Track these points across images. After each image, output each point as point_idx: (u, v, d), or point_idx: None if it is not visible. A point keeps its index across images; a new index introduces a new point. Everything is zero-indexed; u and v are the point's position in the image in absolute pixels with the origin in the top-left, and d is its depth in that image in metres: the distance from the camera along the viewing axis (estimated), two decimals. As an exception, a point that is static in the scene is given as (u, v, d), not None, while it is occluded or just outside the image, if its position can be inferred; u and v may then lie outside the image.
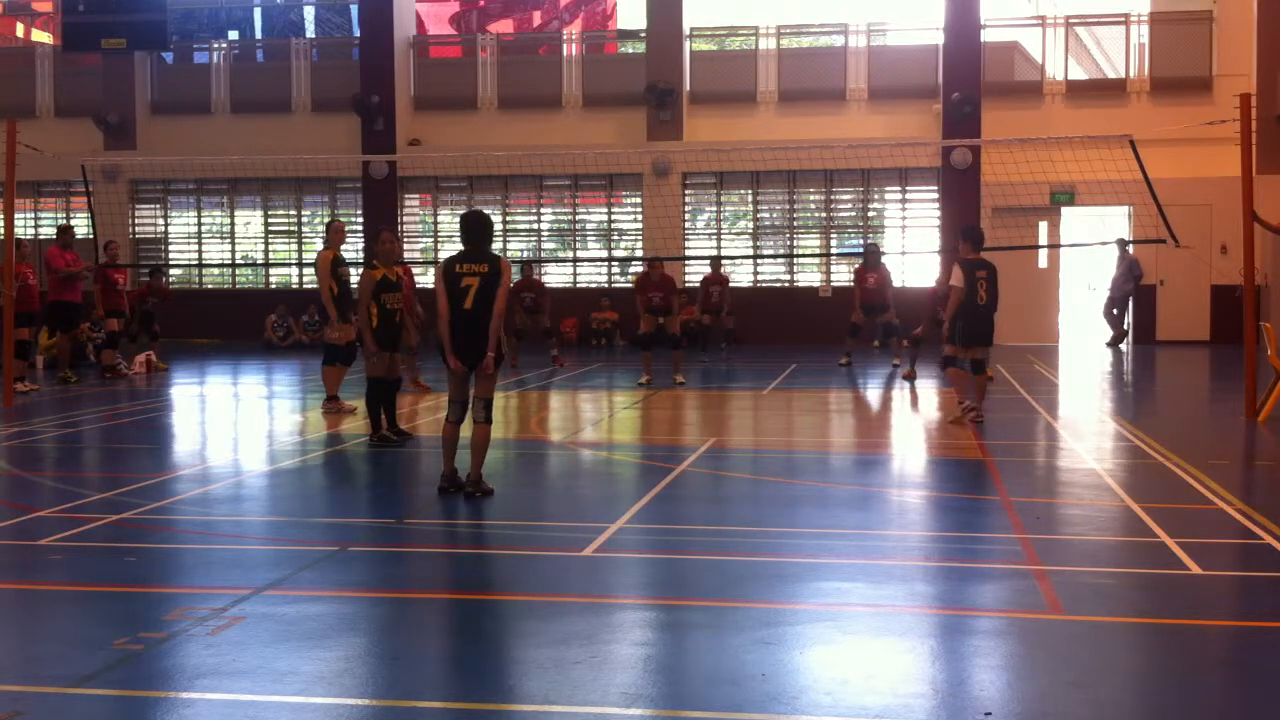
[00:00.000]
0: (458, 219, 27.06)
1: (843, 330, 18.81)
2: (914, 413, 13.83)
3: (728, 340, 20.01)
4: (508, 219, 25.67)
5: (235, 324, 24.71)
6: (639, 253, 24.57)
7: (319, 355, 13.91)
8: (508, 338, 16.03)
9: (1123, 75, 24.21)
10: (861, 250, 20.98)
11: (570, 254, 25.58)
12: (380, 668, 5.02)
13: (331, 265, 12.83)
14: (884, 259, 18.73)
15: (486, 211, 8.96)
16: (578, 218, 25.65)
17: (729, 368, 18.55)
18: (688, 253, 24.32)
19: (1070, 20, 25.14)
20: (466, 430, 8.51)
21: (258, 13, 29.01)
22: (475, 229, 8.50)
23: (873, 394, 15.65)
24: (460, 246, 8.58)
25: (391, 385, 11.20)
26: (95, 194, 19.60)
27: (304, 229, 26.19)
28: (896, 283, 23.30)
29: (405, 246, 25.55)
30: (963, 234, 12.42)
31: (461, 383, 8.53)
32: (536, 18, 31.66)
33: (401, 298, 11.52)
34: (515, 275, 18.06)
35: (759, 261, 24.96)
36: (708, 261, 21.57)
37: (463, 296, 8.31)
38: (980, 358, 12.17)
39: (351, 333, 12.42)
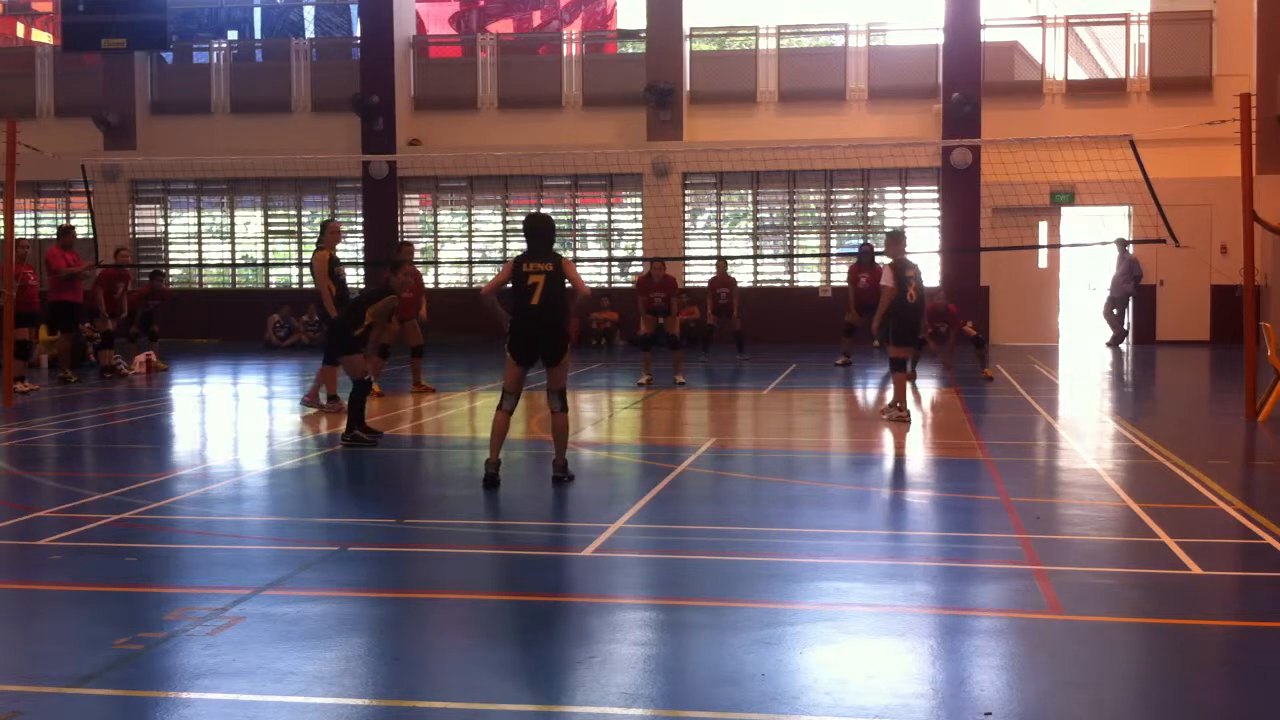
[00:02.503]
0: (455, 218, 26.92)
1: (842, 330, 18.84)
2: (914, 413, 13.82)
3: (742, 345, 19.88)
4: (508, 219, 25.67)
5: (235, 324, 24.71)
6: (639, 253, 24.57)
7: (319, 355, 13.90)
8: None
9: (1123, 75, 24.21)
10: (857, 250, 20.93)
11: (570, 254, 25.56)
12: (380, 668, 5.02)
13: (329, 265, 12.82)
14: (878, 259, 18.74)
15: (546, 212, 9.25)
16: (578, 218, 25.65)
17: (745, 369, 18.49)
18: (688, 253, 24.33)
19: (1070, 20, 25.14)
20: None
21: (257, 13, 29.00)
22: (537, 230, 8.83)
23: (872, 394, 15.63)
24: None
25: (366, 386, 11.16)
26: (95, 194, 19.60)
27: (304, 229, 26.19)
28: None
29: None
30: (891, 236, 12.79)
31: (519, 375, 8.80)
32: (536, 18, 31.67)
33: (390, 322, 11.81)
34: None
35: (759, 261, 24.96)
36: (713, 263, 21.52)
37: (529, 294, 8.65)
38: (914, 357, 12.37)
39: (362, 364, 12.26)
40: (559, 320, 8.73)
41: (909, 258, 12.65)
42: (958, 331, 16.50)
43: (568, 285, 8.78)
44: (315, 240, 13.99)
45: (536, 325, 8.67)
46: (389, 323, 11.89)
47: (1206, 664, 5.16)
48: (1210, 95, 22.90)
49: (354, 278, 25.21)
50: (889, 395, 12.91)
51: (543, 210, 25.63)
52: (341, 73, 25.79)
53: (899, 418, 12.13)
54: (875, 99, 24.23)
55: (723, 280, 20.02)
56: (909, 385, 15.93)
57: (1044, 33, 24.48)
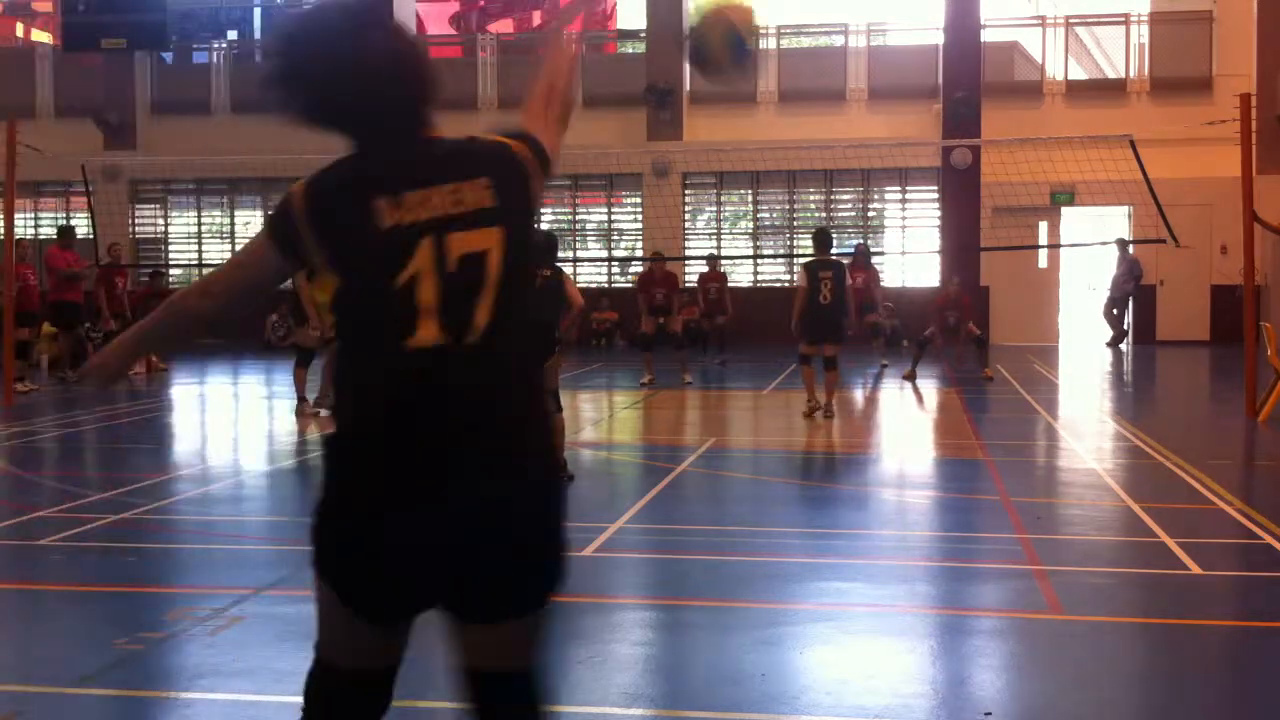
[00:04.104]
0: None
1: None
2: (912, 413, 13.84)
3: (723, 346, 19.79)
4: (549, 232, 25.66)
5: (235, 324, 24.70)
6: (639, 253, 24.56)
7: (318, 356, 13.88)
8: None
9: (1123, 75, 24.21)
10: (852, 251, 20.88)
11: (570, 254, 25.57)
12: (380, 668, 5.01)
13: None
14: (875, 259, 18.76)
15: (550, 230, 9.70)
16: (578, 218, 25.65)
17: (743, 369, 18.49)
18: (688, 253, 24.32)
19: (1070, 20, 25.14)
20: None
21: (257, 13, 29.01)
22: (540, 243, 9.18)
23: (870, 394, 15.63)
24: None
25: None
26: (95, 194, 19.59)
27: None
28: (897, 283, 23.25)
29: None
30: (814, 237, 13.20)
31: None
32: (536, 18, 31.67)
33: None
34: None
35: (759, 261, 24.96)
36: (705, 260, 21.54)
37: None
38: (832, 355, 12.55)
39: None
40: (549, 322, 8.82)
41: (834, 258, 13.03)
42: (966, 328, 16.50)
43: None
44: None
45: None
46: None
47: (1206, 664, 5.16)
48: (1210, 95, 22.89)
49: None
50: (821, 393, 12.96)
51: (542, 210, 25.66)
52: (341, 73, 25.75)
53: (821, 413, 12.50)
54: (875, 99, 24.22)
55: (713, 276, 19.99)
56: (911, 384, 15.97)
57: (1044, 33, 24.48)
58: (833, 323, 12.52)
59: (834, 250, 24.27)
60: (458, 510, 2.40)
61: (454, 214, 2.46)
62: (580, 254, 25.50)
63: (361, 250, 2.44)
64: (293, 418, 12.96)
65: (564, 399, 14.86)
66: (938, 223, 23.91)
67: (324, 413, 13.04)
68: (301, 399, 13.01)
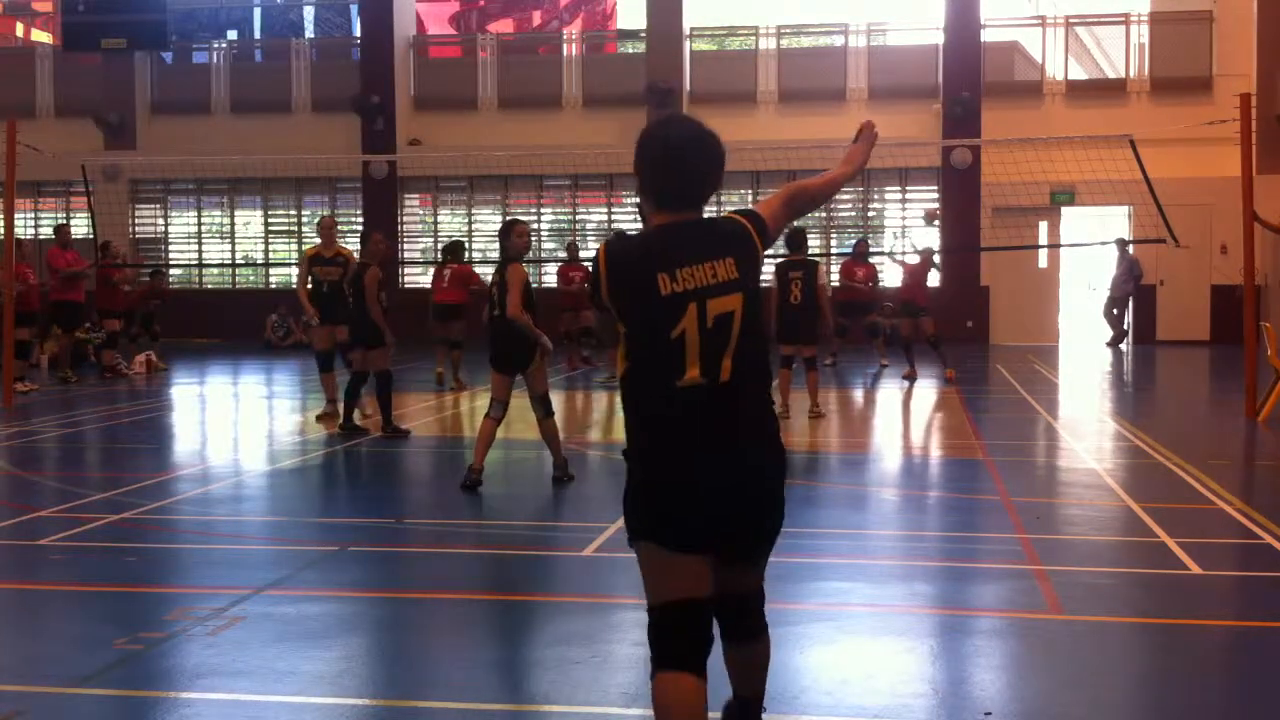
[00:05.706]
0: (455, 218, 26.78)
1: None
2: (912, 413, 13.83)
3: None
4: (508, 219, 25.66)
5: (235, 324, 24.70)
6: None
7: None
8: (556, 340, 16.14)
9: (1123, 75, 24.21)
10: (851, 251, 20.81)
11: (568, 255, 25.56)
12: (380, 668, 5.02)
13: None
14: (874, 259, 18.74)
15: (516, 218, 9.50)
16: (578, 218, 25.65)
17: None
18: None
19: (1070, 20, 25.13)
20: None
21: (257, 13, 29.01)
22: (499, 235, 9.08)
23: (870, 394, 15.64)
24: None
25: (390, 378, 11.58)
26: (95, 194, 19.59)
27: (304, 229, 26.18)
28: (896, 284, 23.17)
29: (405, 246, 25.59)
30: (786, 236, 13.00)
31: (502, 382, 8.81)
32: (536, 18, 31.68)
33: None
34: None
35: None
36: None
37: (493, 302, 8.79)
38: (810, 356, 12.49)
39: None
40: (517, 330, 8.64)
41: (808, 258, 12.94)
42: (918, 302, 16.53)
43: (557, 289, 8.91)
44: (314, 240, 13.85)
45: (498, 335, 8.72)
46: (378, 296, 11.68)
47: (1206, 664, 5.16)
48: (1210, 95, 22.88)
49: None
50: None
51: (542, 210, 25.67)
52: (341, 73, 25.78)
53: (782, 415, 12.40)
54: (875, 99, 24.20)
55: None
56: (910, 384, 15.95)
57: (1044, 33, 24.47)
58: (803, 323, 12.41)
59: (836, 250, 24.52)
60: (727, 479, 3.35)
61: (712, 284, 3.35)
62: (581, 254, 25.44)
63: (647, 312, 3.33)
64: (324, 419, 12.63)
65: (565, 398, 14.93)
66: (938, 223, 23.89)
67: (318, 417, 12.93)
68: (332, 400, 12.71)
